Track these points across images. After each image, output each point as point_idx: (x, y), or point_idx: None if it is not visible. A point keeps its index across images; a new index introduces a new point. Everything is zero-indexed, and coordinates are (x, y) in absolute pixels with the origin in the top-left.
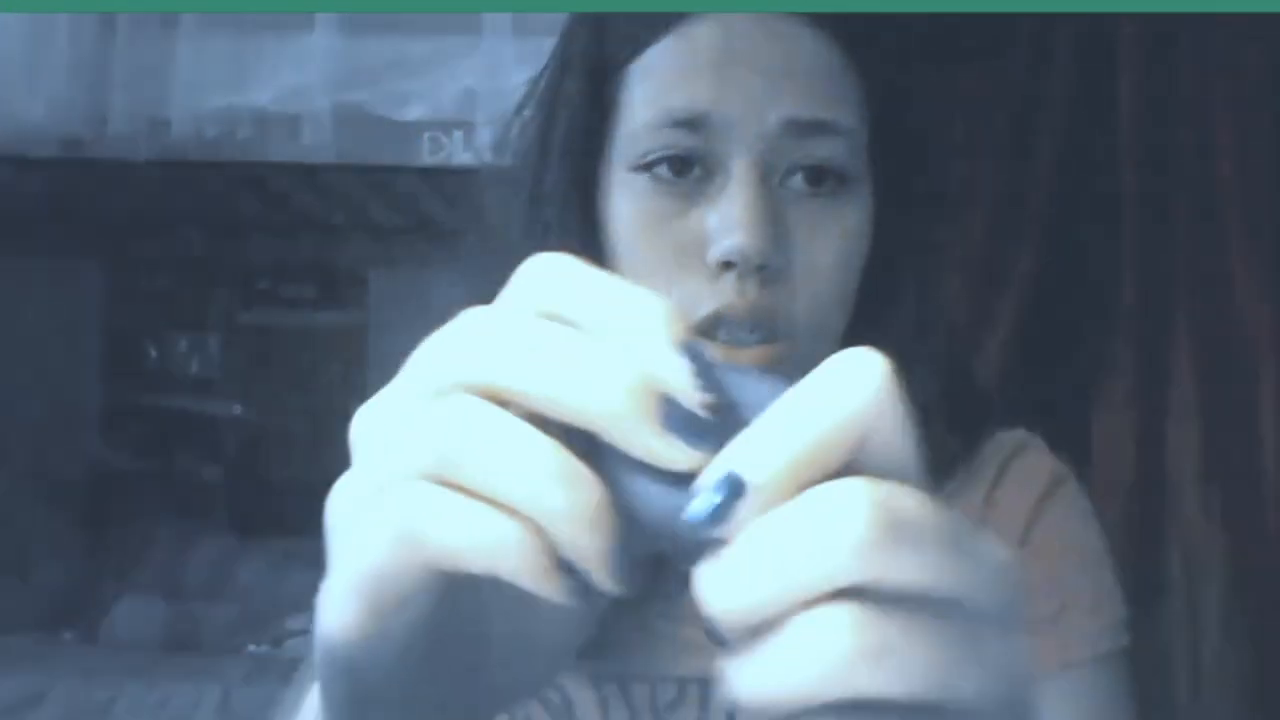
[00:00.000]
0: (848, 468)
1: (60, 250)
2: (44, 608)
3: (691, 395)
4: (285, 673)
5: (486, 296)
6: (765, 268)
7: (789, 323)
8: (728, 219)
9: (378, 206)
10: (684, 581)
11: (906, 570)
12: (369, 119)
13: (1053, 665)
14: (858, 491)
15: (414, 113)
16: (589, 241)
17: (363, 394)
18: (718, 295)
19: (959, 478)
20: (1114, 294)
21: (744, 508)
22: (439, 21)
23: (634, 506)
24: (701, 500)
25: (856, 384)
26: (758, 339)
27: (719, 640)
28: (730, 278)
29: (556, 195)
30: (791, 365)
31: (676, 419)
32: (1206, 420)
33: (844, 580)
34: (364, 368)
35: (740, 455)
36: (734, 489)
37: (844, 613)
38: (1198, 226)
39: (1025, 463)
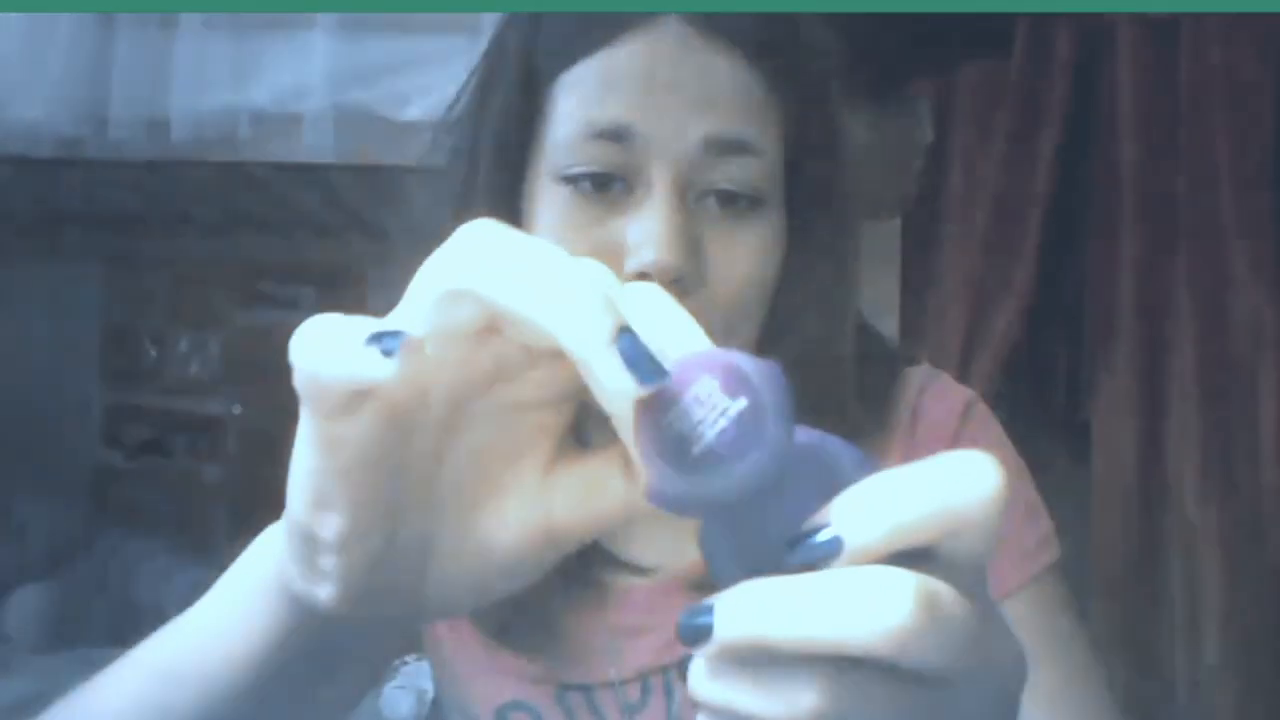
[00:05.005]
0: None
1: (60, 250)
2: (46, 612)
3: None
4: None
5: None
6: (680, 281)
7: None
8: (645, 232)
9: (378, 206)
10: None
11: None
12: (369, 119)
13: (1001, 593)
14: (906, 583)
15: (414, 113)
16: None
17: None
18: None
19: (877, 426)
20: (1114, 294)
21: (837, 563)
22: (439, 21)
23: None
24: (803, 552)
25: (971, 482)
26: None
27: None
28: None
29: (483, 199)
30: None
31: (631, 351)
32: (1206, 420)
33: (857, 652)
34: None
35: (845, 517)
36: (833, 548)
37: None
38: (1198, 227)
39: (935, 395)
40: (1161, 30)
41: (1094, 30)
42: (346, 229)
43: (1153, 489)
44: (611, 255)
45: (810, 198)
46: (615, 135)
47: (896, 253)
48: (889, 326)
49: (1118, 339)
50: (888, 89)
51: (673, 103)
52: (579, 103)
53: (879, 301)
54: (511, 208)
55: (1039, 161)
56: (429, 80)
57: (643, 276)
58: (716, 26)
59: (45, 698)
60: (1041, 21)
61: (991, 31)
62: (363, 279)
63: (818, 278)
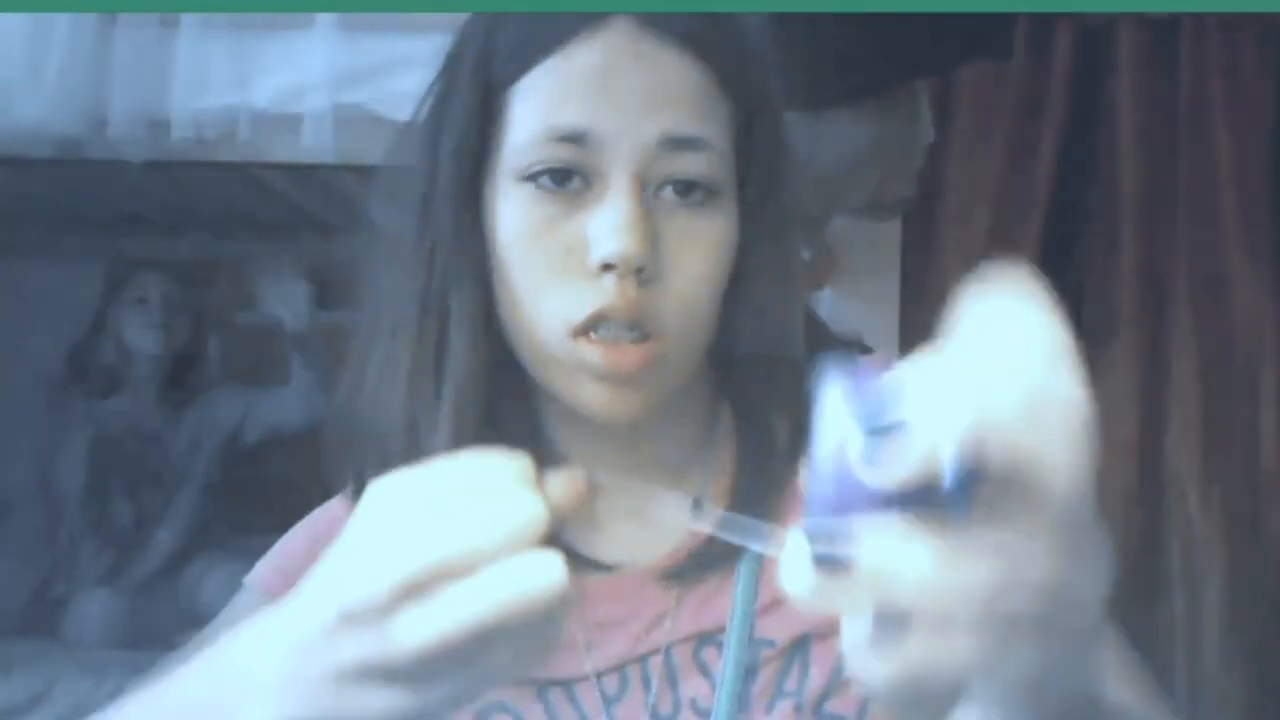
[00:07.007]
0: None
1: (60, 250)
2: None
3: None
4: None
5: (382, 296)
6: (643, 269)
7: (662, 323)
8: (608, 224)
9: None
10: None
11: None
12: (369, 119)
13: None
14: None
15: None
16: (475, 247)
17: (362, 394)
18: (599, 296)
19: None
20: (1114, 294)
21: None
22: (439, 21)
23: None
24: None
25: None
26: (634, 337)
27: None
28: (610, 279)
29: (445, 203)
30: (664, 362)
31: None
32: (1206, 420)
33: None
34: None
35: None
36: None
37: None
38: (1198, 226)
39: None
40: (1161, 30)
41: (1094, 30)
42: (346, 229)
43: (1152, 488)
44: (575, 250)
45: (758, 194)
46: (573, 138)
47: (896, 253)
48: (889, 326)
49: (1118, 339)
50: (888, 88)
51: (627, 103)
52: (536, 107)
53: (879, 301)
54: (471, 210)
55: (1039, 161)
56: (429, 80)
57: (607, 267)
58: (665, 26)
59: (46, 694)
60: (1041, 21)
61: (991, 31)
62: (363, 279)
63: (770, 272)
